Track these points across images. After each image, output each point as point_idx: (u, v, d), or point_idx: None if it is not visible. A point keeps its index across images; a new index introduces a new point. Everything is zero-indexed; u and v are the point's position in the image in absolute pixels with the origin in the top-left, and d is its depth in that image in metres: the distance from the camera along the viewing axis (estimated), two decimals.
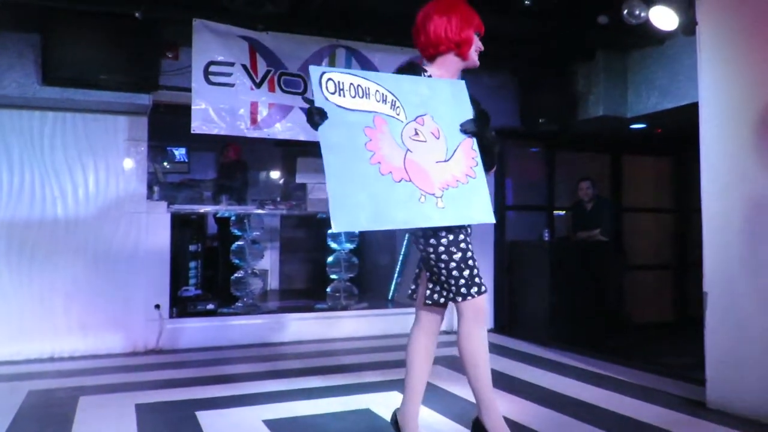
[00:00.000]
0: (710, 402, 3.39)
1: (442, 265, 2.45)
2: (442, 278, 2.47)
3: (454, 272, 2.44)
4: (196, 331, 5.29)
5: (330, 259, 6.30)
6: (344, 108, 2.29)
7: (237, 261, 6.00)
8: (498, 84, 5.99)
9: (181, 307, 5.49)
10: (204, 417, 3.30)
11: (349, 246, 6.28)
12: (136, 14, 4.36)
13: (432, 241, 2.45)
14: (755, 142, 3.21)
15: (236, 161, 6.99)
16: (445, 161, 2.42)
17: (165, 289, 5.20)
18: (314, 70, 2.32)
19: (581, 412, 3.36)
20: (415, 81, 2.50)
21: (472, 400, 3.58)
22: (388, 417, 3.28)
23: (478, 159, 2.50)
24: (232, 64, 4.71)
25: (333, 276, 6.25)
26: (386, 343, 5.48)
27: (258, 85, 4.79)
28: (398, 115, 2.38)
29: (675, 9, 3.95)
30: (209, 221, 7.59)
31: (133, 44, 4.65)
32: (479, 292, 2.45)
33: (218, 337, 5.31)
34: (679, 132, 5.84)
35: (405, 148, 2.35)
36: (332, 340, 5.55)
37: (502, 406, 3.43)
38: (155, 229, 5.18)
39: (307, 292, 7.85)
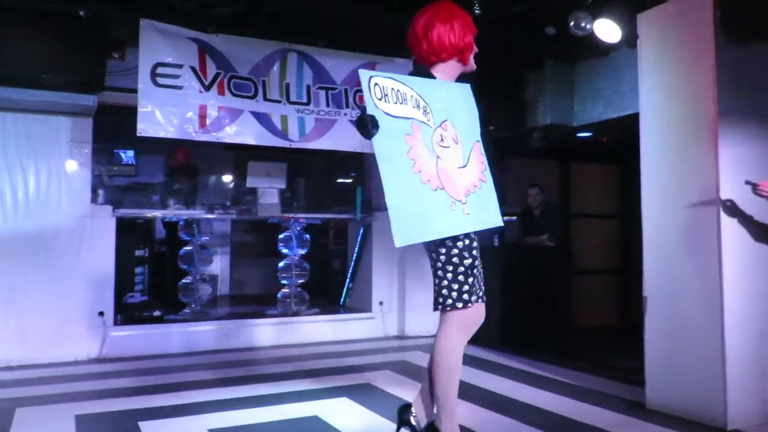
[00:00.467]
0: (649, 403, 3.50)
1: (450, 268, 2.41)
2: (444, 283, 2.44)
3: (460, 277, 2.41)
4: (142, 338, 5.15)
5: (281, 264, 6.24)
6: (389, 115, 2.19)
7: (185, 266, 5.88)
8: None
9: (126, 314, 5.35)
10: (147, 427, 3.22)
11: (301, 251, 6.24)
12: (81, 13, 4.24)
13: (448, 243, 2.40)
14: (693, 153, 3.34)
15: (186, 165, 6.85)
16: (464, 167, 2.40)
17: (109, 296, 5.05)
18: (363, 74, 2.21)
19: (529, 414, 3.42)
20: (436, 85, 2.45)
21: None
22: (337, 424, 3.28)
23: (486, 163, 2.51)
24: (180, 66, 4.63)
25: (284, 281, 6.20)
26: (337, 348, 5.47)
27: (207, 88, 4.73)
28: (428, 121, 2.31)
29: (618, 22, 4.07)
30: (157, 226, 7.42)
31: (77, 43, 4.53)
32: (471, 302, 2.44)
33: (165, 344, 5.19)
34: (623, 141, 6.02)
35: (436, 155, 2.30)
36: (283, 347, 5.50)
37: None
38: (99, 234, 5.03)
39: (258, 297, 7.74)
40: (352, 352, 5.35)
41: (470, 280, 2.42)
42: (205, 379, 4.29)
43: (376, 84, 2.19)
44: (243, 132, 4.89)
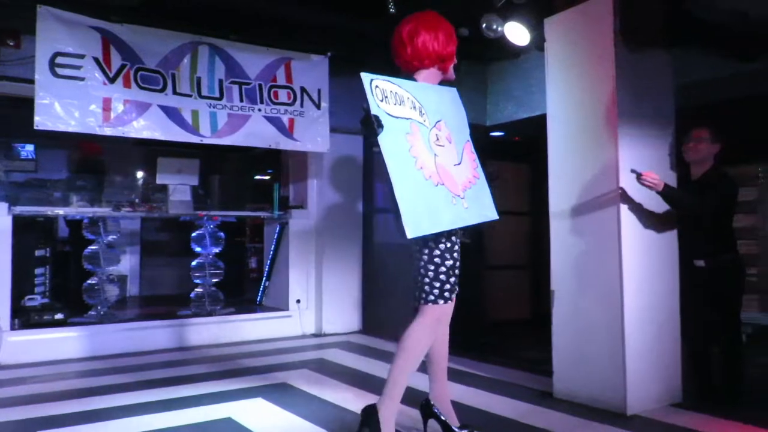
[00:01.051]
0: (557, 392, 3.65)
1: (432, 267, 2.58)
2: (426, 280, 2.60)
3: (442, 276, 2.58)
4: (42, 343, 4.85)
5: (194, 263, 6.06)
6: (390, 115, 2.30)
7: (90, 267, 5.60)
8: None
9: (24, 317, 5.02)
10: None
11: (215, 250, 6.08)
12: None
13: (430, 244, 2.57)
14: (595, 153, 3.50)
15: (90, 160, 6.53)
16: (459, 164, 2.56)
17: (5, 299, 4.72)
18: (365, 77, 2.29)
19: None
20: (427, 88, 2.59)
21: (336, 402, 3.62)
22: (251, 425, 3.22)
23: (477, 160, 2.70)
24: (82, 57, 4.38)
25: (197, 281, 6.02)
26: (253, 348, 5.37)
27: (112, 81, 4.50)
28: (425, 121, 2.45)
29: (527, 26, 4.20)
30: (60, 224, 7.02)
31: None
32: (444, 301, 2.62)
33: (68, 349, 4.91)
34: (534, 140, 6.24)
35: (434, 153, 2.43)
36: (195, 348, 5.34)
37: (363, 405, 3.49)
38: None
39: (170, 298, 7.49)
40: (268, 351, 5.27)
41: (451, 279, 2.61)
42: (112, 384, 4.09)
43: (377, 86, 2.30)
44: (151, 126, 4.69)
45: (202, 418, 3.33)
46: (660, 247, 3.55)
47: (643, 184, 3.30)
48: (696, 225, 3.59)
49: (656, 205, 3.49)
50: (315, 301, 6.13)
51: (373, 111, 2.25)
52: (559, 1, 3.79)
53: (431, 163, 2.40)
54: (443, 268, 2.58)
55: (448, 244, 2.59)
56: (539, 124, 4.50)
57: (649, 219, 3.49)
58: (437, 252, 2.57)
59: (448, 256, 2.60)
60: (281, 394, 3.81)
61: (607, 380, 3.39)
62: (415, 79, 2.64)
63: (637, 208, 3.44)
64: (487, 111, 5.84)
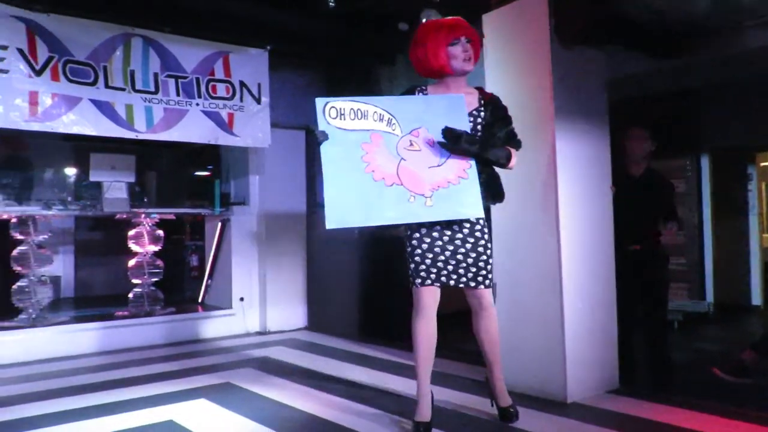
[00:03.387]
0: None
1: (409, 251, 2.95)
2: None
3: (413, 262, 2.91)
4: None
5: (131, 262, 5.88)
6: (344, 129, 2.76)
7: (19, 268, 5.35)
8: (306, 83, 6.04)
9: None
10: None
11: (153, 248, 5.91)
12: None
13: (407, 233, 2.95)
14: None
15: (15, 156, 6.23)
16: (438, 166, 2.83)
17: None
18: (319, 102, 2.76)
19: (386, 402, 3.50)
20: (410, 100, 2.99)
21: (281, 400, 3.59)
22: (193, 427, 3.16)
23: (473, 162, 2.86)
24: (5, 48, 4.16)
25: (135, 281, 5.84)
26: (195, 348, 5.27)
27: (38, 73, 4.29)
28: (393, 130, 2.83)
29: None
30: None
31: None
32: (416, 284, 2.91)
33: None
34: None
35: (399, 158, 2.80)
36: (134, 349, 5.19)
37: (308, 403, 3.48)
38: None
39: (107, 298, 7.24)
40: (211, 351, 5.18)
41: (421, 267, 2.88)
42: (45, 389, 3.93)
43: (332, 107, 2.77)
44: (81, 121, 4.50)
45: (143, 422, 3.24)
46: (596, 235, 3.66)
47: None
48: (632, 214, 3.76)
49: (593, 196, 3.60)
50: (259, 298, 6.05)
51: (321, 128, 2.73)
52: None
53: (390, 167, 2.78)
54: (416, 256, 2.91)
55: (418, 235, 2.91)
56: None
57: (586, 209, 3.59)
58: (413, 241, 2.92)
59: (418, 244, 2.92)
60: (225, 394, 3.75)
61: (546, 369, 3.47)
62: (431, 87, 3.07)
63: (574, 200, 3.53)
64: None
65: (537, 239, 3.56)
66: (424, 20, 4.42)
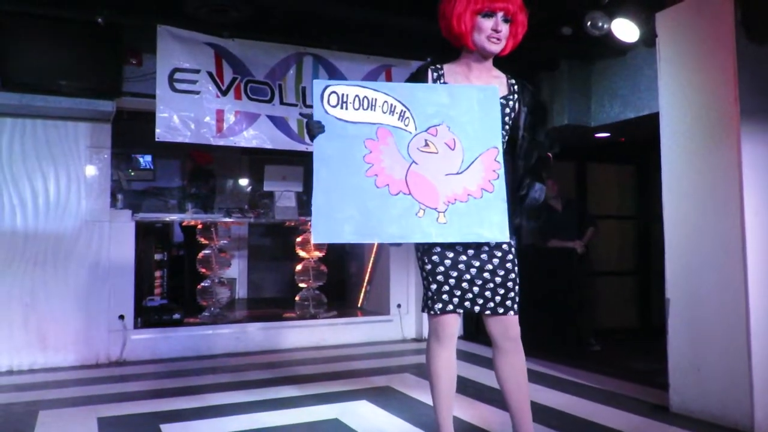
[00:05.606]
0: (673, 406, 3.46)
1: (424, 275, 2.43)
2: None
3: (433, 286, 2.38)
4: (161, 341, 5.20)
5: (298, 267, 6.26)
6: (345, 120, 2.23)
7: (203, 270, 5.92)
8: None
9: (145, 317, 5.39)
10: (169, 430, 3.24)
11: (318, 254, 6.25)
12: (99, 20, 4.28)
13: (419, 254, 2.44)
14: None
15: (203, 169, 6.91)
16: (458, 173, 2.26)
17: (129, 300, 5.09)
18: (317, 84, 2.27)
19: (548, 417, 3.38)
20: (432, 89, 2.37)
21: None
22: (356, 427, 3.28)
23: (501, 172, 2.29)
24: (197, 71, 4.65)
25: (301, 284, 6.21)
26: (356, 351, 5.47)
27: (224, 93, 4.75)
28: (407, 126, 2.27)
29: (635, 21, 4.03)
30: (175, 229, 7.47)
31: (94, 50, 4.61)
32: (436, 311, 2.39)
33: (184, 347, 5.23)
34: (641, 141, 5.96)
35: (410, 160, 2.25)
36: (300, 349, 5.51)
37: (468, 412, 3.47)
38: (119, 238, 5.08)
39: (275, 300, 7.77)
40: (370, 354, 5.35)
41: (443, 289, 2.37)
42: (224, 382, 4.31)
43: (333, 92, 2.25)
44: (260, 136, 4.90)
45: (311, 418, 3.44)
46: None
47: None
48: None
49: None
50: (415, 305, 6.15)
51: (317, 117, 2.22)
52: None
53: (399, 171, 2.23)
54: (439, 276, 2.37)
55: (436, 253, 2.37)
56: (647, 124, 4.30)
57: None
58: (427, 258, 2.39)
59: (439, 263, 2.38)
60: (385, 397, 3.85)
61: (730, 395, 3.17)
62: (448, 66, 2.46)
63: (763, 211, 3.20)
64: (591, 112, 5.62)
65: (717, 254, 3.26)
66: (588, 23, 4.27)
